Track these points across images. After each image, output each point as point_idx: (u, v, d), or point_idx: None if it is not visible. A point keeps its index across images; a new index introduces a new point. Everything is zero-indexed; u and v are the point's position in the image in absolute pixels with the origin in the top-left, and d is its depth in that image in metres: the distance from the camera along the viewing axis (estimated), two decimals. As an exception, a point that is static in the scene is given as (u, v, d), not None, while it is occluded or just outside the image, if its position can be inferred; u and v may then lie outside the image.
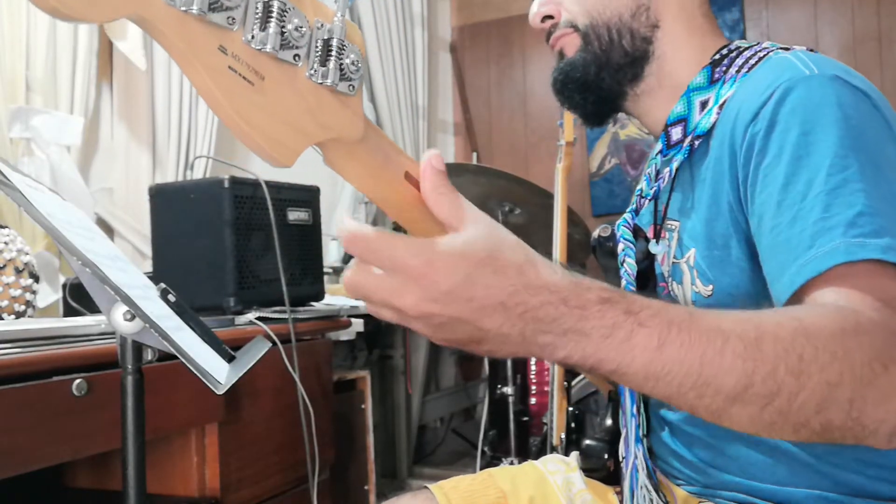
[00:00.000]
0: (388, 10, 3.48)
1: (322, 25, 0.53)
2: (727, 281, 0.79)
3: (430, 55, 3.89)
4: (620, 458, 0.93)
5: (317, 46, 0.52)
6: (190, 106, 2.43)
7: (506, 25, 4.08)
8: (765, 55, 0.82)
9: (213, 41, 0.46)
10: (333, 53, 0.52)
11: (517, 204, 2.46)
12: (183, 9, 0.44)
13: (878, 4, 3.39)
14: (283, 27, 0.49)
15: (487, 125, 4.09)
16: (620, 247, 0.89)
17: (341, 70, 0.53)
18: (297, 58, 0.51)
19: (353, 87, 0.54)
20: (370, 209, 3.47)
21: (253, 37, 0.48)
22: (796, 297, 0.65)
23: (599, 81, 0.90)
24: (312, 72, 0.52)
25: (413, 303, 0.50)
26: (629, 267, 0.87)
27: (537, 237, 2.18)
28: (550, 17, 0.92)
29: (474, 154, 3.95)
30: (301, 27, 0.51)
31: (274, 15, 0.49)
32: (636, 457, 0.89)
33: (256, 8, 0.48)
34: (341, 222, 0.51)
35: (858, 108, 0.72)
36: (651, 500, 0.87)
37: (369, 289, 0.51)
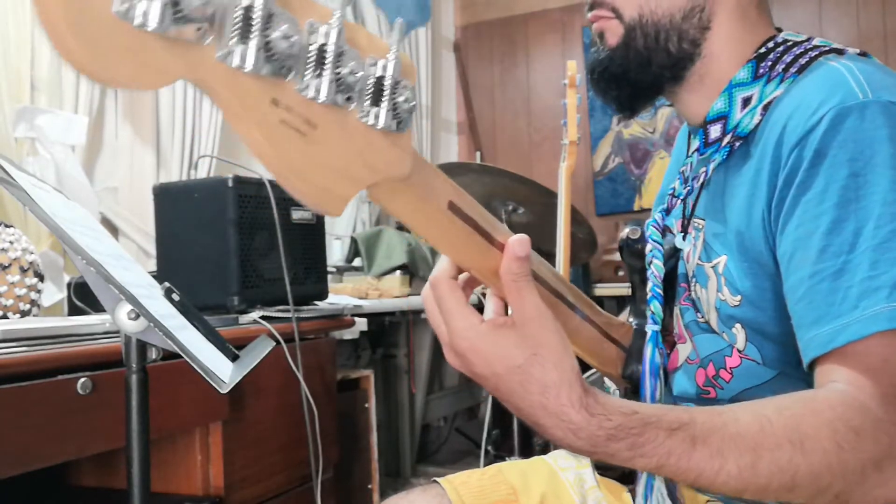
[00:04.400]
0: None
1: (375, 62, 0.48)
2: (758, 294, 0.77)
3: (434, 54, 3.89)
4: None
5: (368, 85, 0.48)
6: (194, 105, 2.43)
7: (509, 24, 4.08)
8: (816, 55, 0.78)
9: (266, 95, 0.43)
10: (386, 94, 0.48)
11: (521, 203, 2.45)
12: (235, 66, 0.41)
13: (883, 3, 3.38)
14: (337, 73, 0.45)
15: (491, 124, 4.10)
16: (648, 247, 0.87)
17: (394, 110, 0.49)
18: (349, 100, 0.47)
19: (403, 125, 0.50)
20: (373, 209, 3.47)
21: (307, 86, 0.45)
22: (831, 355, 0.67)
23: (638, 79, 0.86)
24: (364, 114, 0.48)
25: (448, 358, 0.60)
26: (656, 269, 0.86)
27: (541, 237, 2.18)
28: None
29: (478, 153, 3.95)
30: (356, 71, 0.46)
31: (328, 61, 0.45)
32: None
33: (309, 54, 0.44)
34: (437, 266, 0.60)
35: None
36: None
37: (429, 309, 0.62)
